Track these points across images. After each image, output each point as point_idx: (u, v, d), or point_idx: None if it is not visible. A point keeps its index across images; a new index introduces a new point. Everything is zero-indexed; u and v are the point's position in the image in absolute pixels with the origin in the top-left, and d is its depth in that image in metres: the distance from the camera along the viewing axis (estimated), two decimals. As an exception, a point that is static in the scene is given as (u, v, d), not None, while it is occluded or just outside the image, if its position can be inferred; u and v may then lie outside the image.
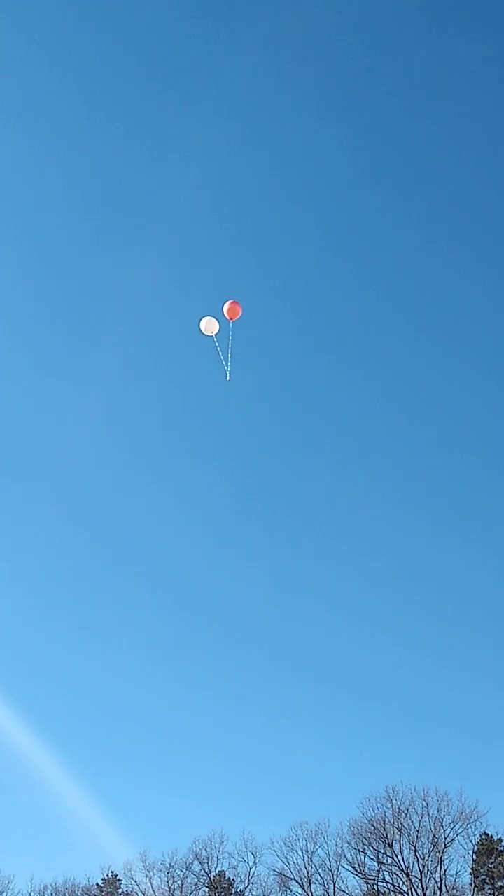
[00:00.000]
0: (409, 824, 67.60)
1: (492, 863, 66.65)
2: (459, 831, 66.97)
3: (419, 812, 67.71)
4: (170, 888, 73.79)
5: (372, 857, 68.77)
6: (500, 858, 66.53)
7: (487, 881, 66.81)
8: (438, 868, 65.70)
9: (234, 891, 73.50)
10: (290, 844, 71.62)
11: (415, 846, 66.77)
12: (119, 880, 79.18)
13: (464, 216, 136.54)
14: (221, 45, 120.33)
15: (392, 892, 67.08)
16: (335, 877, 69.73)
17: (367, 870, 68.75)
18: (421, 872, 65.77)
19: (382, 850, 68.00)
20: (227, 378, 36.44)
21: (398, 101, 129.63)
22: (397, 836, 67.54)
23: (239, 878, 73.63)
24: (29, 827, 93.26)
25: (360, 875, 68.90)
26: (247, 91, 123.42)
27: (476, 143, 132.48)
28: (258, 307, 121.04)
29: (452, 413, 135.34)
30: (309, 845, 71.18)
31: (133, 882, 76.30)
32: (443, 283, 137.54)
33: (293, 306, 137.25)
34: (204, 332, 36.57)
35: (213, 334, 36.63)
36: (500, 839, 67.82)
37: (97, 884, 79.71)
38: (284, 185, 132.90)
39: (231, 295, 37.20)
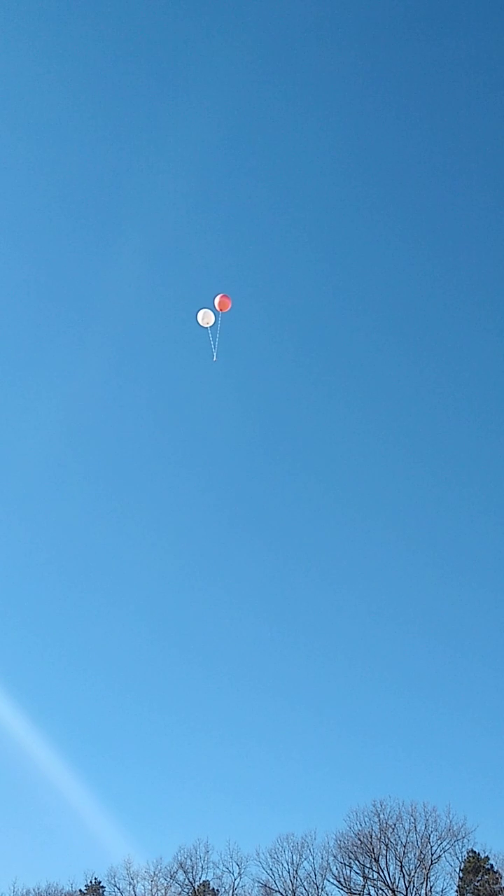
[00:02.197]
0: (395, 839, 67.22)
1: (478, 881, 66.21)
2: (447, 848, 66.68)
3: (406, 827, 67.42)
4: (153, 897, 73.30)
5: (358, 871, 68.34)
6: (486, 876, 66.09)
7: (473, 899, 66.40)
8: (424, 885, 65.26)
9: (217, 901, 73.04)
10: (275, 856, 71.28)
11: (401, 862, 66.37)
12: (102, 887, 78.67)
13: (464, 234, 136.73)
14: (215, 44, 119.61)
15: (377, 908, 66.67)
16: (320, 890, 69.31)
17: (352, 884, 68.27)
18: (407, 888, 65.30)
19: (368, 865, 67.60)
20: (214, 359, 39.97)
21: (395, 106, 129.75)
22: (384, 851, 67.13)
23: (223, 889, 73.11)
24: (12, 831, 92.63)
25: (345, 889, 68.41)
26: (239, 94, 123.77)
27: (478, 156, 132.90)
28: (249, 335, 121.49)
29: (448, 443, 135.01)
30: (295, 858, 70.85)
31: (116, 889, 75.84)
32: (439, 309, 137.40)
33: (287, 331, 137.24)
34: (200, 322, 39.85)
35: (209, 325, 39.87)
36: (487, 857, 67.43)
37: (80, 890, 79.14)
38: (278, 195, 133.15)
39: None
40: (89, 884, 79.33)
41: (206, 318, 40.02)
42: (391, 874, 66.28)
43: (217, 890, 73.42)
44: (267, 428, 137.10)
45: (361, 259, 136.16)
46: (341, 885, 68.58)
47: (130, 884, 74.87)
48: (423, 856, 66.04)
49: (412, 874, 65.74)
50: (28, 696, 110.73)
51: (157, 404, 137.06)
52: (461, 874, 66.78)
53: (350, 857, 68.45)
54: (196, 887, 72.90)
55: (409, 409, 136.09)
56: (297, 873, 70.13)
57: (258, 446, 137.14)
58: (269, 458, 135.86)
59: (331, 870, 69.19)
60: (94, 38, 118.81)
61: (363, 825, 68.70)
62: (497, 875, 65.93)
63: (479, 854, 67.32)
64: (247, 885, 71.97)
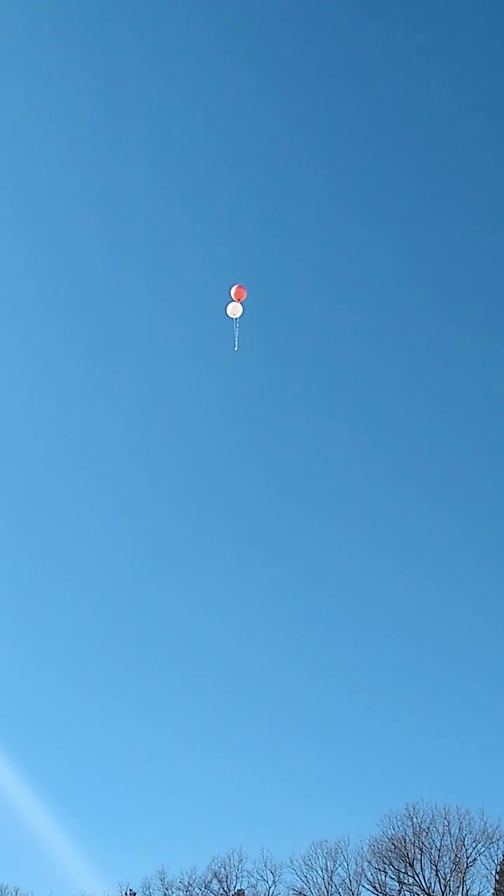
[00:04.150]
0: (430, 843, 66.76)
1: (515, 883, 65.62)
2: (482, 851, 66.03)
3: (440, 831, 66.91)
4: (188, 907, 73.24)
5: (393, 876, 67.97)
6: (523, 879, 65.51)
7: (511, 902, 65.76)
8: (460, 888, 64.72)
9: (253, 910, 72.80)
10: (309, 863, 70.94)
11: (436, 866, 65.90)
12: (137, 898, 78.73)
13: (464, 256, 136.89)
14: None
15: (413, 913, 66.24)
16: (356, 896, 68.96)
17: (387, 889, 67.90)
18: (443, 892, 64.79)
19: (403, 870, 67.16)
20: (236, 349, 41.66)
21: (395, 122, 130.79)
22: (418, 856, 66.70)
23: (258, 897, 72.90)
24: (47, 843, 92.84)
25: (380, 895, 68.06)
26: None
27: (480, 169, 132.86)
28: (245, 343, 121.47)
29: (445, 465, 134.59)
30: (329, 864, 70.44)
31: (151, 900, 75.84)
32: (438, 328, 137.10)
33: (283, 344, 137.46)
34: (230, 314, 41.82)
35: (236, 317, 41.90)
36: (523, 859, 66.85)
37: (115, 901, 79.20)
38: (279, 210, 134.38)
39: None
40: (124, 895, 79.39)
41: (234, 310, 41.66)
42: (426, 878, 65.90)
43: (252, 898, 73.25)
44: (266, 442, 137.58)
45: (363, 283, 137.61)
46: (377, 890, 68.24)
47: (165, 894, 75.05)
48: (458, 859, 65.53)
49: (448, 878, 65.28)
50: (38, 704, 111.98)
51: (147, 406, 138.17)
52: (497, 877, 66.14)
53: (384, 863, 68.09)
54: (231, 896, 72.79)
55: (406, 426, 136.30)
56: (331, 880, 69.89)
57: (261, 462, 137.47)
58: (266, 467, 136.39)
59: (365, 875, 68.96)
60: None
61: (397, 829, 68.49)
62: (534, 877, 65.29)
63: (514, 856, 66.73)
64: (281, 893, 71.77)
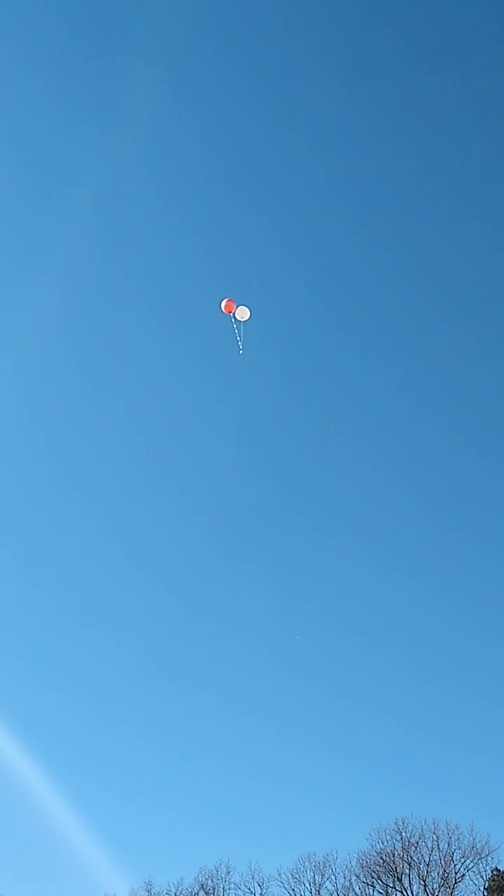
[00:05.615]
0: (419, 858, 66.85)
1: (503, 899, 65.45)
2: (470, 866, 66.19)
3: (429, 846, 67.12)
4: (175, 919, 72.82)
5: (381, 890, 67.88)
6: (511, 895, 65.33)
7: (498, 918, 65.55)
8: (449, 904, 64.63)
9: (240, 923, 72.37)
10: (297, 876, 70.82)
11: (424, 881, 65.82)
12: (123, 909, 78.18)
13: (462, 258, 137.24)
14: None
15: (401, 928, 65.98)
16: (343, 910, 68.70)
17: (375, 904, 67.74)
18: (431, 908, 64.71)
19: (391, 885, 67.06)
20: (241, 352, 42.10)
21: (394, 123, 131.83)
22: (407, 870, 66.64)
23: (245, 910, 72.52)
24: (34, 854, 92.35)
25: (368, 909, 67.88)
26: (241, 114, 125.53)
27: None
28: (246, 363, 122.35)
29: (441, 477, 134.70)
30: (317, 877, 70.39)
31: (137, 912, 75.37)
32: (435, 336, 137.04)
33: (281, 356, 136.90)
34: (238, 318, 42.34)
35: (244, 320, 42.35)
36: (511, 875, 66.70)
37: (101, 912, 78.67)
38: (278, 222, 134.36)
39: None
40: (110, 905, 78.81)
41: (242, 313, 42.24)
42: (415, 893, 65.87)
43: (239, 911, 72.83)
44: (263, 456, 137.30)
45: (365, 294, 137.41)
46: (364, 904, 68.01)
47: (152, 905, 74.48)
48: (446, 874, 65.45)
49: (436, 893, 65.12)
50: (40, 718, 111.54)
51: (143, 422, 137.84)
52: (486, 893, 66.00)
53: (373, 877, 68.04)
54: (218, 908, 72.35)
55: (403, 440, 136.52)
56: (319, 893, 69.69)
57: (256, 475, 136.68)
58: (265, 487, 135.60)
59: (353, 889, 68.86)
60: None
61: (385, 844, 68.55)
62: (522, 893, 65.12)
63: (503, 872, 66.53)
64: (269, 906, 71.45)
